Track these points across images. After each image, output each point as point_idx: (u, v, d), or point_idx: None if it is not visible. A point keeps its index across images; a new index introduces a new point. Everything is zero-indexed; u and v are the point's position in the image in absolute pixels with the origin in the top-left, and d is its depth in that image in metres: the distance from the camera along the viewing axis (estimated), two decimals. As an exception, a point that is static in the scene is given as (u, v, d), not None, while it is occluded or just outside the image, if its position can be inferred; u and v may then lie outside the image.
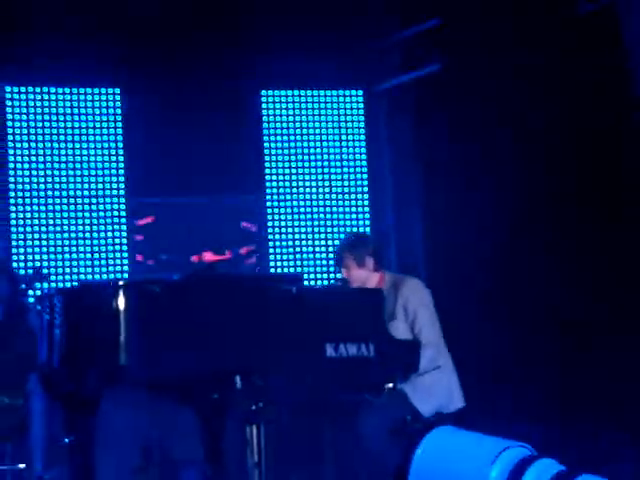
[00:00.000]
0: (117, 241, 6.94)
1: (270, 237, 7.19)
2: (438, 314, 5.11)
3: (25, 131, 6.86)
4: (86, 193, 6.93)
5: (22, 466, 5.46)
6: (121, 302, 4.35)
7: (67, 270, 6.83)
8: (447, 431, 1.72)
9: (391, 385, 4.86)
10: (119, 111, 7.02)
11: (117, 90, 7.04)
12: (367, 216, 7.32)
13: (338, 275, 5.94)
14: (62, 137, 6.92)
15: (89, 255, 6.88)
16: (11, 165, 6.85)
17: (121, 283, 4.55)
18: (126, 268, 6.94)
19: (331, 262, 7.20)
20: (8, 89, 6.90)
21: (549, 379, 6.06)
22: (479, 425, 4.19)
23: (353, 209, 7.32)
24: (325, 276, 7.22)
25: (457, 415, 4.87)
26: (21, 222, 6.82)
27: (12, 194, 6.82)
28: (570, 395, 5.94)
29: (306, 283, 6.65)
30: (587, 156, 5.98)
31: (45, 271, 6.65)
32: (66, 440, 4.71)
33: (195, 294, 4.54)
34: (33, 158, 6.87)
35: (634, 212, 5.78)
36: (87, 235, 6.89)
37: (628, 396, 5.70)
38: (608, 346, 5.85)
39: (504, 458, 1.62)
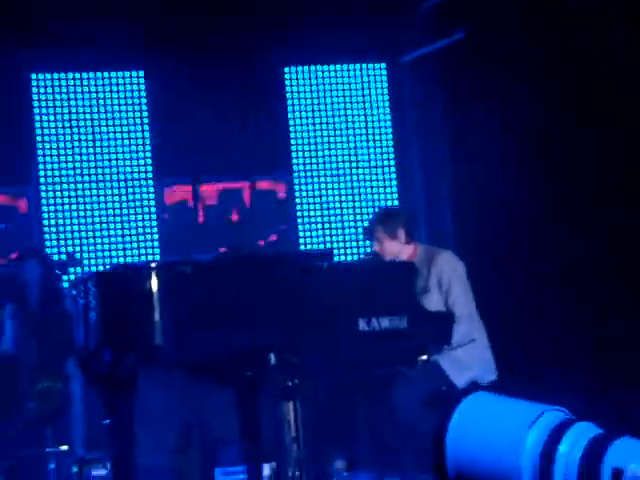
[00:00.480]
0: (147, 223, 6.98)
1: (299, 214, 7.20)
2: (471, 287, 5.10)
3: (52, 117, 6.89)
4: (114, 177, 6.97)
5: (64, 448, 5.52)
6: (154, 283, 4.39)
7: (99, 254, 6.87)
8: (483, 396, 1.71)
9: (425, 357, 4.87)
10: (144, 94, 7.03)
11: (141, 73, 7.05)
12: (395, 190, 7.30)
13: (368, 249, 5.94)
14: (89, 122, 6.95)
15: (120, 238, 6.92)
16: (39, 152, 6.89)
17: (153, 265, 4.58)
18: (157, 250, 6.98)
19: (360, 237, 7.19)
20: (34, 76, 6.93)
21: (582, 352, 6.03)
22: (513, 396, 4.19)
23: (380, 183, 7.30)
24: (355, 251, 7.22)
25: (492, 387, 4.86)
26: (52, 208, 6.87)
27: (42, 180, 6.86)
28: (603, 363, 5.91)
29: (336, 259, 6.65)
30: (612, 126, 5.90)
31: (78, 256, 6.69)
32: (106, 421, 4.76)
33: (226, 274, 4.56)
34: (61, 144, 6.90)
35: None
36: (117, 218, 6.93)
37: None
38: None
39: (541, 422, 1.61)
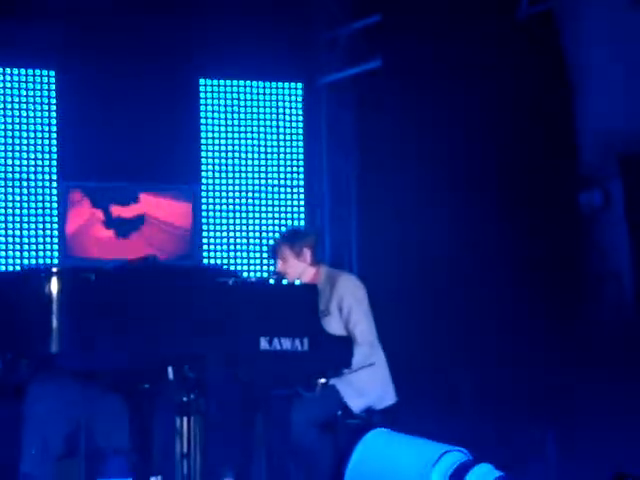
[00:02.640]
0: (47, 226, 6.83)
1: (204, 228, 7.15)
2: (372, 310, 5.15)
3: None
4: (17, 176, 6.81)
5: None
6: (54, 289, 4.30)
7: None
8: (383, 434, 1.72)
9: (324, 380, 4.89)
10: (53, 94, 6.90)
11: (52, 72, 6.92)
12: (302, 210, 7.33)
13: (272, 268, 5.95)
14: (-4, 117, 6.79)
15: (18, 239, 6.76)
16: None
17: (55, 270, 4.49)
18: (56, 254, 6.84)
19: (264, 255, 7.19)
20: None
21: (481, 375, 6.17)
22: (409, 422, 4.26)
23: (289, 202, 7.32)
24: (258, 268, 7.22)
25: (388, 411, 4.92)
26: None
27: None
28: (501, 393, 6.06)
29: (240, 277, 6.62)
30: (526, 153, 6.12)
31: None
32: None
33: (130, 284, 4.50)
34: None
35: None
36: (17, 219, 6.77)
37: (559, 393, 5.85)
38: (543, 341, 6.00)
39: (443, 462, 1.64)
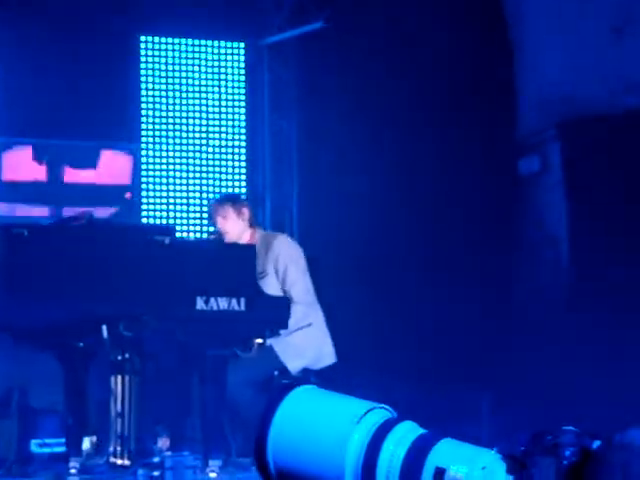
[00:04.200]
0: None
1: (144, 187, 7.07)
2: (311, 272, 5.15)
3: None
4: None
5: None
6: (-14, 244, 4.23)
7: None
8: (309, 391, 1.71)
9: (260, 341, 4.89)
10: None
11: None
12: (243, 171, 7.28)
13: (211, 229, 5.92)
14: None
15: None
16: None
17: (-14, 225, 4.41)
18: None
19: (204, 216, 7.13)
20: None
21: (419, 339, 6.23)
22: (347, 382, 4.28)
23: (230, 163, 7.26)
24: (198, 229, 7.16)
25: (326, 371, 4.93)
26: None
27: None
28: (437, 357, 6.12)
29: (178, 236, 6.57)
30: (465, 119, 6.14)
31: None
32: None
33: (65, 240, 4.44)
34: None
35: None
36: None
37: (495, 357, 5.93)
38: (479, 305, 6.07)
39: (367, 419, 1.63)
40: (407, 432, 1.63)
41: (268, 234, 5.28)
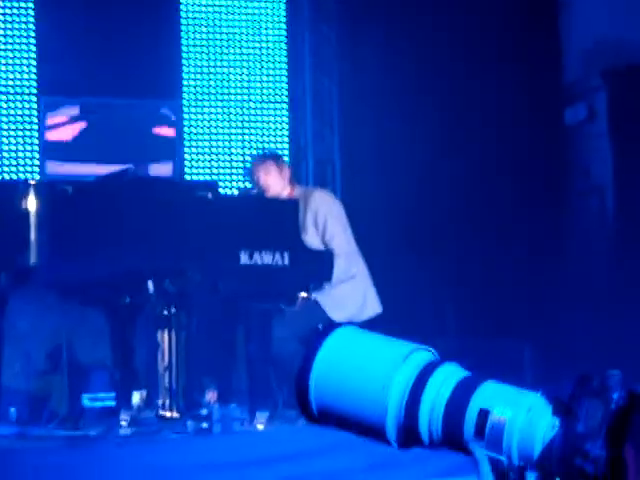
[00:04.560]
0: (28, 140, 6.75)
1: (187, 144, 7.08)
2: (353, 227, 5.14)
3: None
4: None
5: None
6: (32, 202, 4.27)
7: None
8: (351, 332, 1.69)
9: (305, 294, 4.90)
10: (32, 5, 6.75)
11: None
12: (286, 126, 7.25)
13: (253, 182, 5.92)
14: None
15: (-1, 154, 6.67)
16: None
17: (32, 182, 4.46)
18: (37, 169, 6.77)
19: (248, 172, 7.13)
20: None
21: (465, 293, 6.21)
22: (391, 333, 4.27)
23: (272, 119, 7.24)
24: (241, 185, 7.17)
25: (371, 322, 4.94)
26: None
27: None
28: (483, 310, 6.10)
29: (221, 190, 6.59)
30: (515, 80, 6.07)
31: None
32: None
33: (109, 196, 4.47)
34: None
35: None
36: (-2, 132, 6.68)
37: (539, 309, 5.90)
38: (526, 257, 6.04)
39: (409, 360, 1.61)
40: (451, 373, 1.61)
41: (306, 189, 5.29)
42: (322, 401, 1.59)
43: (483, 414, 1.57)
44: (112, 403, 4.75)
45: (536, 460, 1.54)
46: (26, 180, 5.81)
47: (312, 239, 5.00)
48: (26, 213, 4.25)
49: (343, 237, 5.05)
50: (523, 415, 1.56)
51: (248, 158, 7.01)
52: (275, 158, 5.30)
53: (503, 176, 6.25)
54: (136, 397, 4.70)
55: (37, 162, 6.70)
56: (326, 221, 5.03)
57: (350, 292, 5.02)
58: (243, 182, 7.04)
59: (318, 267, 4.78)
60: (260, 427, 4.63)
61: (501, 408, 1.56)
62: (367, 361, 1.58)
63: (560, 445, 1.50)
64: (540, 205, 6.24)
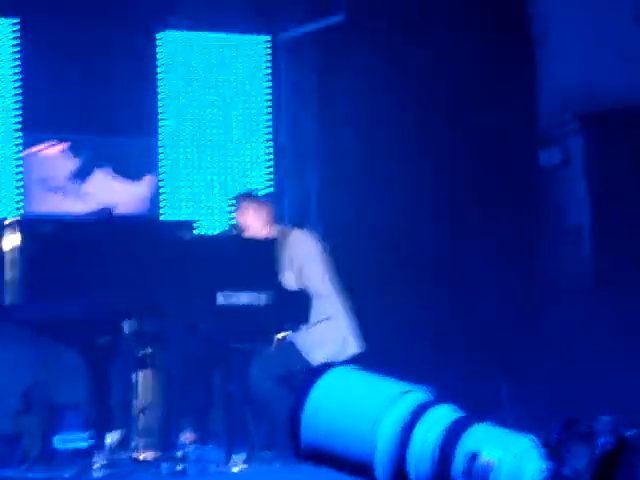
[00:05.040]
0: (8, 178, 6.71)
1: (161, 184, 7.06)
2: (332, 265, 5.13)
3: None
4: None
5: None
6: (9, 240, 4.24)
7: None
8: (345, 371, 1.70)
9: (281, 335, 4.88)
10: (17, 42, 6.75)
11: (16, 20, 6.75)
12: (265, 166, 7.26)
13: (233, 222, 5.92)
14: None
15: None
16: None
17: (8, 221, 4.43)
18: (19, 205, 6.72)
19: (226, 211, 7.13)
20: None
21: (437, 328, 6.21)
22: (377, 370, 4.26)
23: (252, 158, 7.25)
24: (218, 224, 7.16)
25: (352, 361, 4.91)
26: None
27: None
28: (457, 347, 6.10)
29: (199, 231, 6.57)
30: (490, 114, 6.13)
31: None
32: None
33: (88, 236, 4.45)
34: None
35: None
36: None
37: (512, 347, 5.91)
38: (496, 296, 6.05)
39: (403, 401, 1.61)
40: (443, 415, 1.60)
41: (284, 229, 5.27)
42: (313, 439, 1.59)
43: (471, 456, 1.57)
44: (85, 444, 4.69)
45: (524, 504, 1.54)
46: (3, 219, 5.77)
47: (289, 279, 4.99)
48: (2, 252, 4.22)
49: (319, 279, 5.03)
50: (511, 458, 1.56)
51: (227, 197, 7.02)
52: (252, 197, 5.30)
53: (477, 217, 6.29)
54: (110, 438, 4.65)
55: (17, 199, 6.66)
56: (302, 263, 5.02)
57: (327, 332, 5.00)
58: (224, 221, 7.04)
59: (295, 308, 4.77)
60: (236, 469, 4.58)
61: (490, 450, 1.56)
62: (359, 400, 1.58)
63: (548, 489, 1.50)
64: (515, 244, 6.28)
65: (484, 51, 6.17)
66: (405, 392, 1.61)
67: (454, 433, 1.58)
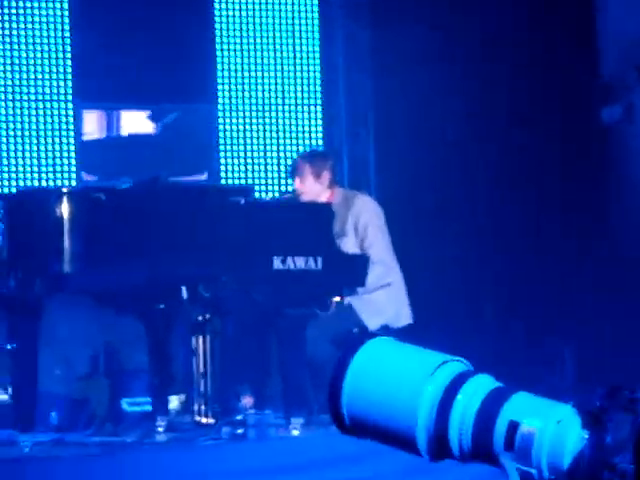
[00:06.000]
0: (64, 147, 6.79)
1: (221, 147, 7.08)
2: (389, 231, 5.10)
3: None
4: (32, 97, 6.74)
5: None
6: (65, 209, 4.29)
7: (11, 175, 6.67)
8: (385, 342, 1.69)
9: (338, 299, 4.88)
10: (67, 13, 6.80)
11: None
12: (320, 129, 7.23)
13: (289, 187, 5.91)
14: (7, 37, 6.70)
15: (35, 161, 6.72)
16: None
17: (65, 190, 4.48)
18: (73, 175, 6.81)
19: (282, 174, 7.12)
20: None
21: (502, 294, 6.14)
22: (426, 341, 4.23)
23: (306, 121, 7.22)
24: (276, 188, 7.16)
25: (404, 330, 4.90)
26: (-37, 125, 6.63)
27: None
28: (520, 311, 6.03)
29: (256, 195, 6.58)
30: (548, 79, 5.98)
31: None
32: (8, 346, 4.68)
33: (142, 203, 4.48)
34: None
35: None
36: (34, 140, 6.73)
37: (577, 310, 5.82)
38: (563, 257, 5.95)
39: (441, 371, 1.60)
40: (481, 385, 1.59)
41: (349, 193, 5.21)
42: (354, 412, 1.59)
43: (512, 426, 1.55)
44: (150, 408, 4.76)
45: (565, 473, 1.51)
46: (60, 187, 5.84)
47: (351, 244, 4.97)
48: (60, 220, 4.27)
49: (382, 245, 5.01)
50: (553, 427, 1.53)
51: (282, 160, 7.00)
52: (311, 162, 5.18)
53: (541, 174, 6.16)
54: (174, 402, 4.72)
55: (73, 169, 6.74)
56: (367, 228, 4.99)
57: (386, 299, 4.98)
58: (279, 186, 7.03)
59: (352, 271, 4.75)
60: (295, 433, 4.61)
61: (531, 420, 1.54)
62: (398, 372, 1.57)
63: (589, 458, 1.47)
64: (580, 208, 6.14)
65: (541, 5, 6.01)
66: (444, 362, 1.60)
67: (495, 402, 1.56)
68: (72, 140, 6.80)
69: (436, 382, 1.58)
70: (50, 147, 6.75)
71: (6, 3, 6.71)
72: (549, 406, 1.58)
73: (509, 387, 1.61)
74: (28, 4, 6.75)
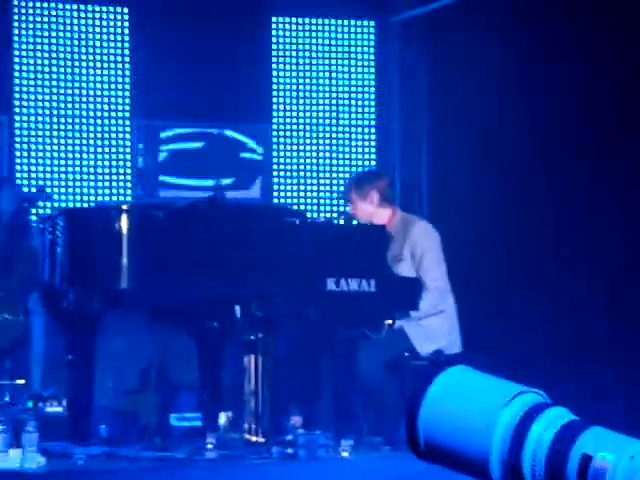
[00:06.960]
0: (121, 163, 6.89)
1: (275, 168, 7.13)
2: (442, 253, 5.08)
3: (31, 46, 6.75)
4: (91, 114, 6.85)
5: (21, 382, 5.49)
6: (124, 225, 4.34)
7: (70, 190, 6.78)
8: (462, 371, 1.70)
9: (390, 322, 4.87)
10: (127, 31, 6.91)
11: (125, 9, 6.92)
12: (373, 150, 7.26)
13: (341, 208, 5.92)
14: (69, 55, 6.82)
15: (92, 176, 6.82)
16: (16, 81, 6.75)
17: (125, 207, 4.53)
18: (129, 192, 6.90)
19: (334, 195, 7.16)
20: (15, 2, 6.77)
21: (548, 323, 6.06)
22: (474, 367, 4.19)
23: (359, 142, 7.25)
24: (328, 209, 7.19)
25: (454, 358, 4.88)
26: (25, 139, 6.74)
27: (17, 110, 6.73)
28: (569, 339, 5.94)
29: (308, 214, 6.62)
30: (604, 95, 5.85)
31: (48, 190, 6.60)
32: (68, 357, 4.74)
33: (198, 221, 4.52)
34: (39, 75, 6.77)
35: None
36: (91, 156, 6.83)
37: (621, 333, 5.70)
38: (608, 282, 5.82)
39: (517, 402, 1.61)
40: (556, 417, 1.59)
41: (408, 218, 5.18)
42: (429, 437, 1.60)
43: (585, 459, 1.54)
44: (199, 423, 4.78)
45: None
46: (119, 204, 5.91)
47: (407, 268, 4.96)
48: (118, 237, 4.32)
49: (438, 272, 4.99)
50: (626, 462, 1.53)
51: (335, 181, 7.03)
52: (355, 185, 5.13)
53: (594, 197, 6.03)
54: (223, 418, 4.73)
55: (129, 185, 6.83)
56: (423, 254, 4.97)
57: (438, 326, 4.96)
58: (330, 206, 7.06)
59: (405, 295, 4.75)
60: (345, 454, 4.61)
61: (604, 454, 1.53)
62: (475, 400, 1.58)
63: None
64: (629, 226, 5.98)
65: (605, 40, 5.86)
66: (520, 392, 1.61)
67: (569, 434, 1.56)
68: (129, 157, 6.89)
69: (512, 411, 1.59)
70: (107, 163, 6.84)
71: (68, 20, 6.84)
72: (623, 441, 1.57)
73: (584, 420, 1.60)
74: (90, 22, 6.87)
